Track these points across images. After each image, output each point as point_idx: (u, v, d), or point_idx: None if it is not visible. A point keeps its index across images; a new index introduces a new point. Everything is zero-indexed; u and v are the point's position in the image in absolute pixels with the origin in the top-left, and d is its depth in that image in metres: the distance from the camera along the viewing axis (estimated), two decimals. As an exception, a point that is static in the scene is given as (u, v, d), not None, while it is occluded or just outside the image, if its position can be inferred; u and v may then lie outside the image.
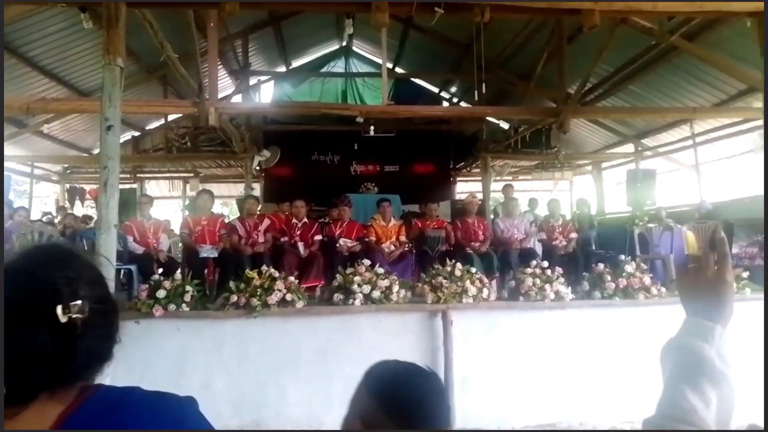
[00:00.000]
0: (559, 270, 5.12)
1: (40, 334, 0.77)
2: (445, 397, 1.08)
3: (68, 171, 14.29)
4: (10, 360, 0.77)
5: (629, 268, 5.15)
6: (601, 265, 5.31)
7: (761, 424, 0.88)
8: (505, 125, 13.90)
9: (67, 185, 14.16)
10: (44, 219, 10.55)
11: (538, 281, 4.90)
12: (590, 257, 6.67)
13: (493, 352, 4.70)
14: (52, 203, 13.96)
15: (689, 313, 0.90)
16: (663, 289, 5.08)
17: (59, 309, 0.77)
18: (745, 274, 5.27)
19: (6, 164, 11.44)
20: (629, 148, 12.74)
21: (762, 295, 4.46)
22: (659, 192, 10.12)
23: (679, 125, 10.61)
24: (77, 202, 13.68)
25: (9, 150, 11.46)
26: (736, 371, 0.82)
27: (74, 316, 0.78)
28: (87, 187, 14.01)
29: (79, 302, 0.79)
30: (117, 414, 0.79)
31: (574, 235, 7.22)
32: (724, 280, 0.89)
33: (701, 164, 10.51)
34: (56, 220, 10.63)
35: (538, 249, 7.21)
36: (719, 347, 0.83)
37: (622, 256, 5.56)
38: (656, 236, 7.56)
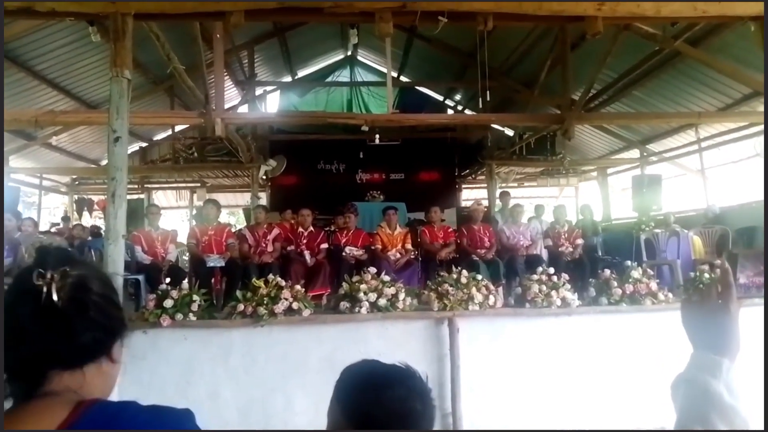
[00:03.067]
0: (565, 276, 5.11)
1: (25, 309, 0.81)
2: (421, 402, 1.00)
3: (76, 182, 14.39)
4: (5, 344, 0.81)
5: (636, 273, 5.14)
6: (607, 271, 5.29)
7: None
8: (509, 132, 13.90)
9: (76, 196, 14.26)
10: (53, 230, 10.62)
11: (544, 288, 4.89)
12: (596, 263, 6.64)
13: (500, 359, 4.69)
14: (60, 214, 14.03)
15: (696, 347, 0.88)
16: (670, 295, 5.07)
17: (35, 273, 0.81)
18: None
19: (15, 176, 11.54)
20: (634, 153, 12.70)
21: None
22: (665, 197, 10.09)
23: (685, 130, 10.59)
24: (85, 213, 13.77)
25: (18, 162, 11.58)
26: (747, 404, 0.81)
27: (49, 283, 0.81)
28: (95, 198, 14.09)
29: (56, 273, 0.82)
30: (113, 429, 0.80)
31: (580, 241, 7.20)
32: (728, 312, 0.87)
33: (707, 169, 10.48)
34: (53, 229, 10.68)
35: (546, 256, 7.20)
36: (728, 381, 0.82)
37: (629, 262, 5.54)
38: (663, 242, 7.53)
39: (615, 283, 5.05)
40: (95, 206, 13.86)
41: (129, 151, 5.17)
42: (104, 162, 12.47)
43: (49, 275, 0.81)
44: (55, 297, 0.81)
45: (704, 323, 0.88)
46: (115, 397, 0.91)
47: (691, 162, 11.22)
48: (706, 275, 5.28)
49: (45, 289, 0.81)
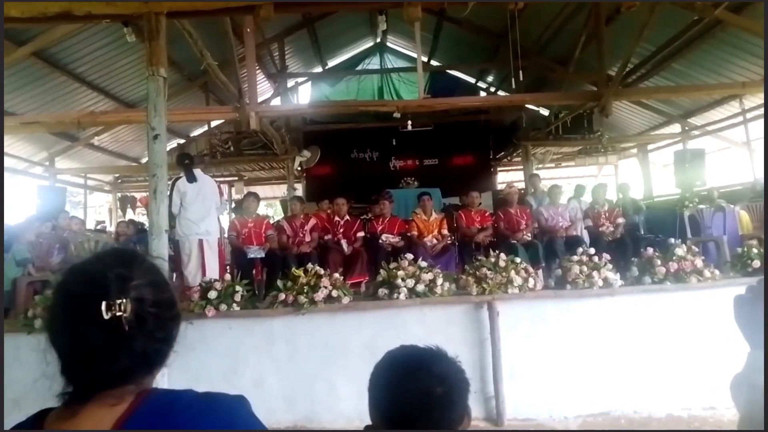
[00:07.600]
0: (606, 256, 5.00)
1: (91, 330, 0.81)
2: (442, 385, 1.01)
3: (119, 180, 14.80)
4: (67, 355, 0.83)
5: (680, 251, 4.99)
6: (650, 250, 5.16)
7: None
8: (545, 112, 13.67)
9: (119, 194, 14.67)
10: (98, 227, 10.98)
11: (585, 268, 4.80)
12: (639, 242, 6.49)
13: (542, 342, 4.65)
14: (105, 212, 14.48)
15: (752, 346, 0.85)
16: (716, 272, 4.91)
17: (104, 305, 0.80)
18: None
19: (61, 177, 11.96)
20: (675, 128, 12.32)
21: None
22: (709, 172, 9.80)
23: (728, 101, 10.20)
24: (129, 210, 14.17)
25: (63, 163, 11.99)
26: None
27: (118, 314, 0.81)
28: (138, 195, 14.47)
29: (123, 300, 0.81)
30: (169, 418, 0.82)
31: (621, 220, 7.04)
32: None
33: (753, 141, 10.09)
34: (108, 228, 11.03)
35: (586, 237, 7.07)
36: None
37: (673, 240, 5.40)
38: (708, 217, 7.33)
39: (659, 262, 4.91)
40: (138, 203, 14.24)
41: (168, 148, 5.25)
42: (144, 160, 12.83)
43: (114, 308, 0.81)
44: (125, 327, 0.81)
45: (758, 321, 0.84)
46: (164, 386, 0.94)
47: (735, 134, 10.81)
48: (755, 251, 5.10)
49: (114, 319, 0.81)
